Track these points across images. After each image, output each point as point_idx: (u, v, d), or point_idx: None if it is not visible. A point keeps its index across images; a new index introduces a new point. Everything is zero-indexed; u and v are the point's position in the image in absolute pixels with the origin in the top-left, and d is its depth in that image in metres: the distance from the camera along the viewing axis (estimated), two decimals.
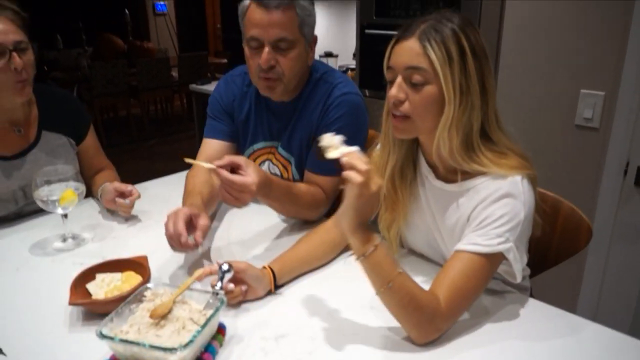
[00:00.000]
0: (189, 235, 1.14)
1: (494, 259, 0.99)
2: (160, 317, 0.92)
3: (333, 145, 0.92)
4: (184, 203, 1.32)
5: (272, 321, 1.03)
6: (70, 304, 1.00)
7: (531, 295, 1.22)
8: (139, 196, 1.47)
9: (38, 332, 1.00)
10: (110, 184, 1.49)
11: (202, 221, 1.19)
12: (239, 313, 1.05)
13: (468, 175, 1.05)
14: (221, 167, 1.12)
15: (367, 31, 2.81)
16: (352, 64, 3.28)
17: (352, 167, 0.87)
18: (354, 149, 0.90)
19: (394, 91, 1.01)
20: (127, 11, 7.21)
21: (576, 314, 1.05)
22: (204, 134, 1.54)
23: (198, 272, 1.01)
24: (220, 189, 1.14)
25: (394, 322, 0.97)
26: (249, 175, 1.14)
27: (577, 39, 1.97)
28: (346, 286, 1.15)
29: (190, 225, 1.18)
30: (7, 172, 1.45)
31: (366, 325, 1.02)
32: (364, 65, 2.93)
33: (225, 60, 7.43)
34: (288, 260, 1.18)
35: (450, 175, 1.08)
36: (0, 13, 1.34)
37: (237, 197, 1.14)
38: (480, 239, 0.98)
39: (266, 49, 1.30)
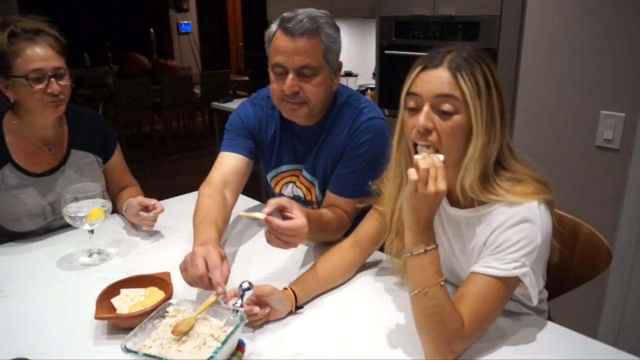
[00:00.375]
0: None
1: (510, 283, 1.00)
2: (182, 333, 0.94)
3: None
4: (197, 227, 1.26)
5: (290, 339, 1.05)
6: (96, 318, 1.04)
7: (549, 318, 1.22)
8: (162, 210, 1.51)
9: (64, 344, 1.03)
10: (134, 199, 1.54)
11: (225, 268, 1.09)
12: (258, 331, 1.07)
13: (481, 201, 1.06)
14: (269, 212, 1.12)
15: (386, 52, 2.85)
16: (372, 83, 3.32)
17: (415, 166, 0.92)
18: (419, 156, 0.95)
19: (422, 120, 0.99)
20: (152, 30, 7.39)
21: (597, 339, 1.04)
22: (221, 148, 1.54)
23: (218, 293, 1.03)
24: (269, 235, 1.14)
25: (410, 344, 0.98)
26: (298, 218, 1.14)
27: (597, 61, 1.98)
28: (363, 305, 1.17)
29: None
30: (37, 189, 1.51)
31: (382, 345, 1.03)
32: (383, 85, 2.96)
33: (246, 78, 7.54)
34: (309, 281, 1.20)
35: (465, 201, 1.09)
36: (42, 39, 1.41)
37: (289, 241, 1.15)
38: (496, 263, 0.99)
39: (290, 76, 1.33)
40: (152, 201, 1.52)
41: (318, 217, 1.34)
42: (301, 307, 1.16)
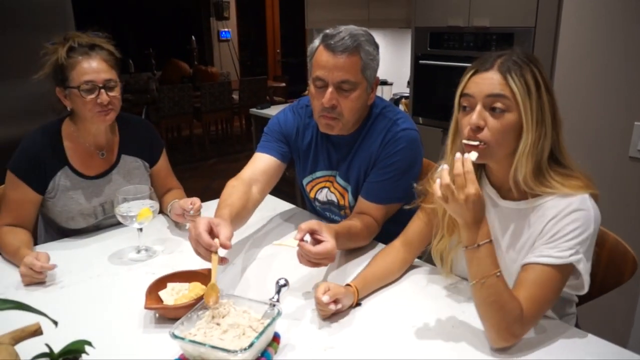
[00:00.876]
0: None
1: (565, 271, 1.06)
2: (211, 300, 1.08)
3: None
4: (215, 212, 1.37)
5: (322, 333, 1.12)
6: (146, 308, 1.14)
7: (577, 326, 1.25)
8: (200, 206, 1.59)
9: (117, 331, 1.14)
10: (177, 201, 1.64)
11: (224, 230, 1.20)
12: (292, 324, 1.15)
13: (535, 193, 1.13)
14: (301, 237, 1.21)
15: (421, 61, 2.89)
16: (406, 92, 3.37)
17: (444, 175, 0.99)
18: (445, 167, 1.01)
19: (474, 118, 1.07)
20: (193, 38, 7.62)
21: (627, 348, 1.05)
22: (257, 148, 1.63)
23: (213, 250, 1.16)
24: (300, 258, 1.23)
25: (438, 344, 1.04)
26: (328, 241, 1.22)
27: (631, 72, 1.98)
28: (393, 303, 1.24)
29: (212, 234, 1.21)
30: (90, 190, 1.63)
31: (410, 344, 1.09)
32: (418, 94, 3.01)
33: (283, 84, 7.69)
34: (368, 277, 1.29)
35: (519, 194, 1.16)
36: (97, 53, 1.53)
37: (319, 262, 1.24)
38: (552, 251, 1.06)
39: (330, 89, 1.41)
40: (190, 201, 1.60)
41: (346, 231, 1.40)
42: (360, 302, 1.24)
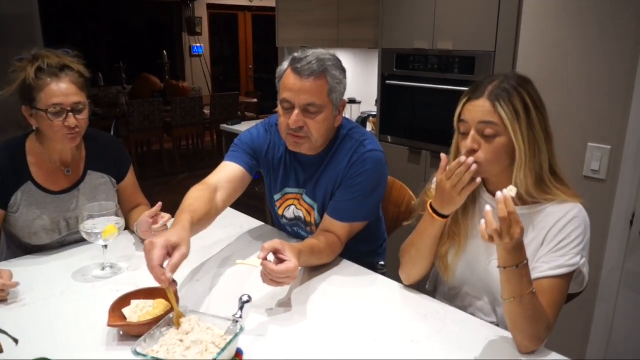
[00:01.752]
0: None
1: (574, 274, 1.20)
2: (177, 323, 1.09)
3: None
4: (177, 215, 1.35)
5: (284, 348, 1.14)
6: (109, 325, 1.14)
7: None
8: (169, 218, 1.58)
9: (80, 349, 1.13)
10: (143, 216, 1.60)
11: (177, 255, 1.16)
12: (256, 340, 1.17)
13: (537, 201, 1.23)
14: (264, 257, 1.24)
15: (387, 82, 2.97)
16: (374, 110, 3.44)
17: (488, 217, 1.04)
18: (489, 209, 1.04)
19: (469, 142, 1.20)
20: (165, 52, 7.61)
21: None
22: (225, 158, 1.64)
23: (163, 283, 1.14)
24: (264, 277, 1.26)
25: (397, 354, 1.08)
26: (290, 261, 1.26)
27: (583, 95, 2.09)
28: (357, 314, 1.26)
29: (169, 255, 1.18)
30: (54, 206, 1.62)
31: (370, 357, 1.12)
32: (385, 112, 3.08)
33: (255, 100, 7.72)
34: None
35: (519, 201, 1.24)
36: (66, 74, 1.52)
37: (282, 282, 1.26)
38: (563, 260, 1.17)
39: (296, 112, 1.45)
40: (157, 210, 1.58)
41: (310, 249, 1.43)
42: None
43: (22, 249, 1.66)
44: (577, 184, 2.13)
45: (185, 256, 1.18)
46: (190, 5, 8.45)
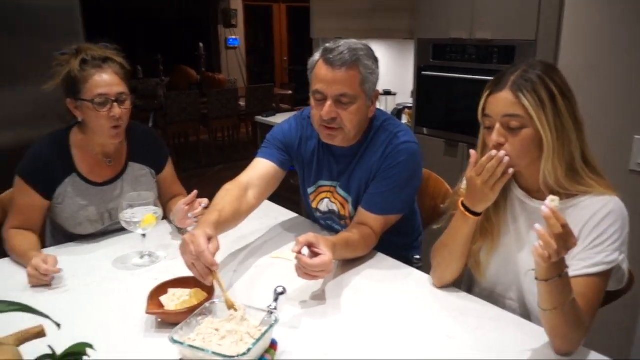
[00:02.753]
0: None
1: (612, 271, 1.13)
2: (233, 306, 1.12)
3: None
4: (205, 215, 1.39)
5: (319, 341, 1.14)
6: (147, 313, 1.17)
7: None
8: (207, 202, 1.56)
9: (119, 335, 1.17)
10: (179, 204, 1.63)
11: (212, 246, 1.22)
12: (290, 332, 1.17)
13: (570, 193, 1.18)
14: (299, 250, 1.23)
15: (423, 73, 2.92)
16: (410, 102, 3.39)
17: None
18: (539, 227, 0.96)
19: (494, 137, 1.16)
20: (201, 45, 7.71)
21: None
22: (258, 154, 1.65)
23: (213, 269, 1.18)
24: (298, 271, 1.26)
25: (431, 350, 1.07)
26: (325, 254, 1.25)
27: (630, 85, 2.00)
28: (391, 311, 1.26)
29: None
30: (98, 197, 1.67)
31: (403, 351, 1.11)
32: (421, 104, 3.03)
33: (290, 92, 7.74)
34: None
35: (551, 195, 1.18)
36: (109, 66, 1.56)
37: (317, 275, 1.26)
38: (600, 257, 1.11)
39: (328, 103, 1.44)
40: (193, 197, 1.61)
41: (344, 242, 1.42)
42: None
43: (66, 237, 1.71)
44: (623, 177, 2.05)
45: (217, 249, 1.24)
46: None
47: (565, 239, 0.94)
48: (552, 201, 0.97)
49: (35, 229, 1.62)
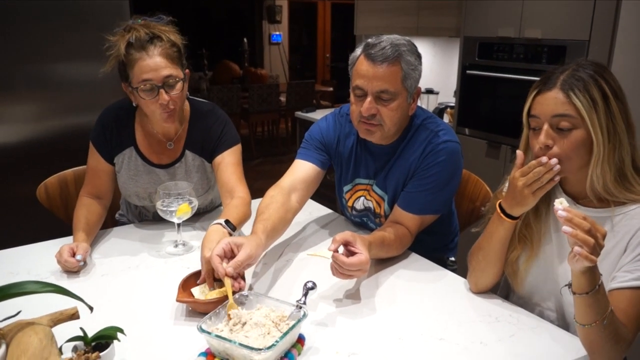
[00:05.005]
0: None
1: None
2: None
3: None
4: (252, 227, 1.36)
5: (347, 339, 1.12)
6: (177, 301, 1.18)
7: None
8: (87, 250, 1.44)
9: (149, 321, 1.18)
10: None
11: (241, 254, 1.19)
12: (319, 328, 1.16)
13: (619, 201, 1.12)
14: (335, 249, 1.21)
15: (468, 72, 2.85)
16: (452, 101, 3.32)
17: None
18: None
19: (542, 138, 1.10)
20: (245, 40, 7.78)
21: None
22: (297, 155, 1.63)
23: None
24: (333, 269, 1.23)
25: (464, 355, 1.03)
26: (362, 253, 1.22)
27: None
28: (420, 313, 1.22)
29: (233, 255, 1.22)
30: (150, 177, 1.67)
31: (435, 355, 1.07)
32: (464, 104, 2.96)
33: (331, 89, 7.73)
34: None
35: (599, 202, 1.14)
36: (155, 46, 1.44)
37: (353, 274, 1.24)
38: None
39: (368, 99, 1.41)
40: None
41: (380, 241, 1.39)
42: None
43: (108, 219, 1.73)
44: None
45: (251, 257, 1.21)
46: None
47: (595, 235, 0.90)
48: (560, 203, 0.94)
49: (104, 195, 1.67)
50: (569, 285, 0.99)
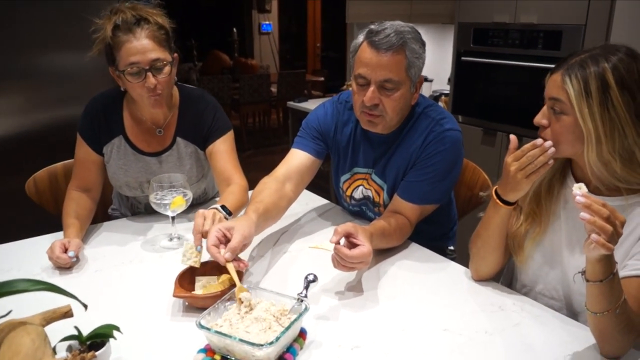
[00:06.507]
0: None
1: None
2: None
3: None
4: (246, 209, 1.35)
5: (349, 332, 1.10)
6: (175, 296, 1.14)
7: None
8: (79, 245, 1.40)
9: (146, 318, 1.15)
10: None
11: (235, 237, 1.18)
12: (320, 322, 1.13)
13: (632, 190, 1.09)
14: (337, 240, 1.18)
15: (463, 58, 2.82)
16: (446, 89, 3.29)
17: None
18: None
19: (537, 117, 1.12)
20: (235, 30, 7.70)
21: None
22: (293, 144, 1.60)
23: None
24: (335, 262, 1.20)
25: (469, 346, 1.01)
26: (364, 245, 1.19)
27: None
28: (422, 304, 1.20)
29: (227, 240, 1.20)
30: (140, 165, 1.63)
31: (437, 345, 1.05)
32: (459, 91, 2.94)
33: (322, 79, 7.67)
34: None
35: (608, 191, 1.11)
36: (142, 28, 1.41)
37: (355, 267, 1.21)
38: None
39: (372, 88, 1.37)
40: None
41: (380, 232, 1.36)
42: None
43: (98, 214, 1.69)
44: None
45: (245, 237, 1.20)
46: None
47: (613, 222, 0.87)
48: (579, 188, 0.91)
49: (93, 187, 1.62)
50: (583, 272, 0.96)
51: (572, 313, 1.20)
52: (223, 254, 1.16)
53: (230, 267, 1.15)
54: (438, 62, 3.67)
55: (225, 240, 1.19)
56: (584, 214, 0.88)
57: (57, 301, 0.91)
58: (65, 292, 0.90)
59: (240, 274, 1.17)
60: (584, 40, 2.17)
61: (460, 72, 2.88)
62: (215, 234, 1.19)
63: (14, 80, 2.30)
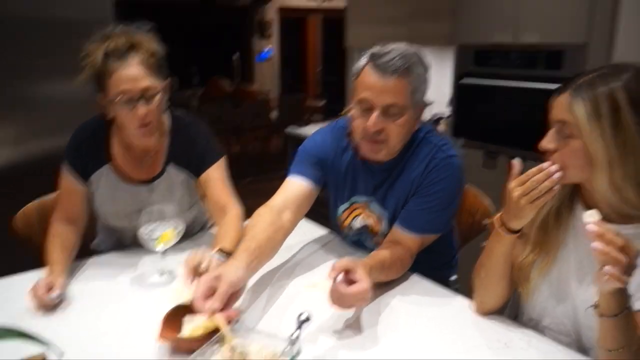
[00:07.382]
0: None
1: None
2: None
3: None
4: (238, 248, 1.26)
5: None
6: (159, 338, 1.07)
7: None
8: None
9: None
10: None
11: (222, 285, 1.10)
12: None
13: None
14: (335, 276, 1.12)
15: (463, 80, 2.80)
16: (446, 112, 3.25)
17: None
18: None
19: (543, 141, 1.05)
20: (237, 54, 7.73)
21: None
22: (290, 171, 1.52)
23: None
24: (332, 299, 1.13)
25: None
26: (363, 281, 1.12)
27: None
28: (429, 342, 1.13)
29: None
30: (128, 195, 1.57)
31: None
32: (460, 114, 2.90)
33: (322, 102, 7.70)
34: None
35: (620, 219, 1.03)
36: (133, 56, 1.37)
37: (354, 304, 1.15)
38: None
39: (376, 113, 1.31)
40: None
41: (380, 266, 1.29)
42: None
43: (84, 248, 1.61)
44: None
45: (232, 284, 1.10)
46: (263, 7, 8.57)
47: (628, 253, 0.81)
48: (590, 216, 0.85)
49: (77, 219, 1.57)
50: (595, 306, 0.89)
51: (582, 349, 1.12)
52: (209, 306, 1.05)
53: (219, 318, 1.05)
54: (436, 85, 3.63)
55: (215, 291, 1.10)
56: (596, 244, 0.82)
57: (29, 347, 0.85)
58: (38, 340, 0.84)
59: (230, 321, 1.08)
60: (584, 59, 2.13)
61: (461, 93, 2.85)
62: (202, 289, 1.09)
63: (2, 110, 2.23)
